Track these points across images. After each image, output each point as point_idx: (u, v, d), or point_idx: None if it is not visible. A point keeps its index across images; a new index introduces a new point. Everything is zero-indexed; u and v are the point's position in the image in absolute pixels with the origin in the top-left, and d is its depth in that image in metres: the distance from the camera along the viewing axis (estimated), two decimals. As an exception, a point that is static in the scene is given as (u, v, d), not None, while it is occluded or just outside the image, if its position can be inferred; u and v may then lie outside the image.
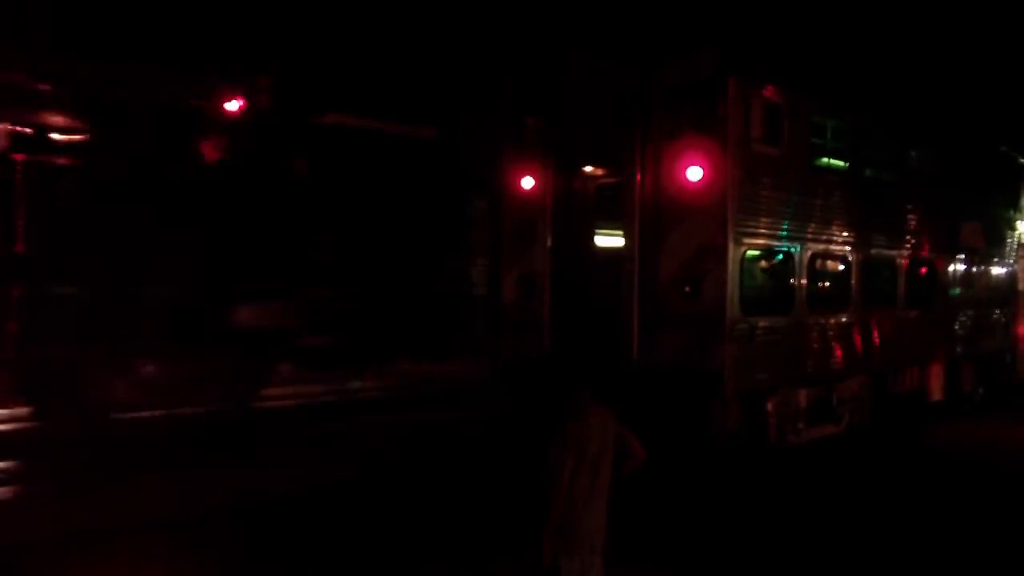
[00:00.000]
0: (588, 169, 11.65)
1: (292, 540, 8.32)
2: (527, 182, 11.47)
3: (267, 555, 7.94)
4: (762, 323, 10.92)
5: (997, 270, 18.00)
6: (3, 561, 7.54)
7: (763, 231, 10.99)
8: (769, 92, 10.96)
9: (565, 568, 5.08)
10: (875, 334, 13.68)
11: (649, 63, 10.76)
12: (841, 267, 12.85)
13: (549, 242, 11.20)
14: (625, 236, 10.73)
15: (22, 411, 12.50)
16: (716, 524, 9.07)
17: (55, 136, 12.91)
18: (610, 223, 11.74)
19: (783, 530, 8.97)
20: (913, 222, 14.75)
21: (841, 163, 12.80)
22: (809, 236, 11.89)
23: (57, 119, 12.89)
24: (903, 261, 14.40)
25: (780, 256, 11.52)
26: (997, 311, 17.82)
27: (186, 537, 8.29)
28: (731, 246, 10.32)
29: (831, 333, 12.49)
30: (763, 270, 11.38)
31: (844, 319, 12.73)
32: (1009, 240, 18.39)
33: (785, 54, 12.16)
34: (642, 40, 11.19)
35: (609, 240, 11.93)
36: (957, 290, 16.36)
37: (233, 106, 14.46)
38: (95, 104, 13.08)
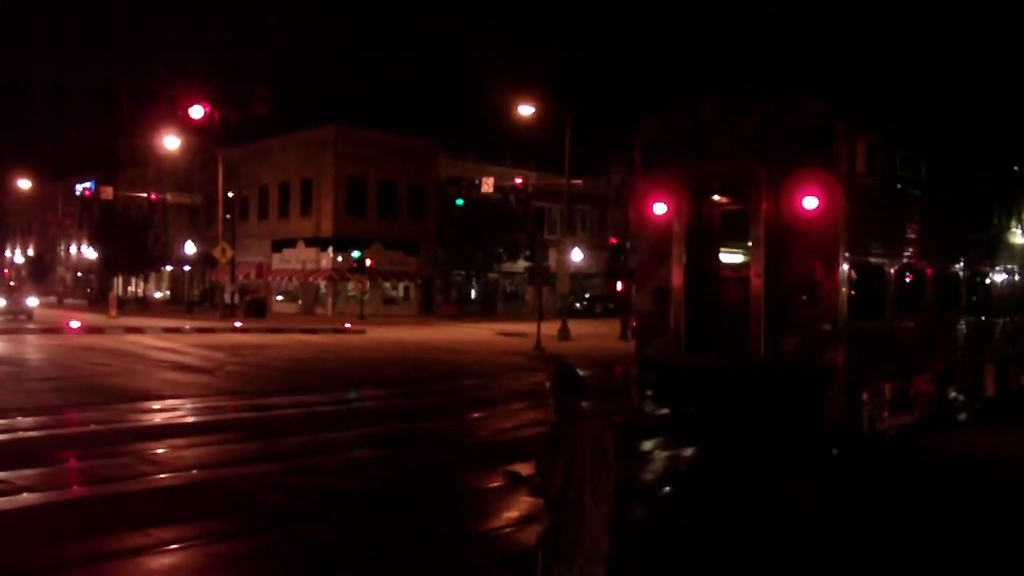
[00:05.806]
0: (715, 198, 13.70)
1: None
2: (661, 208, 13.48)
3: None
4: (863, 326, 13.00)
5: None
6: None
7: (864, 249, 13.12)
8: (869, 133, 13.06)
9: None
10: (943, 336, 15.82)
11: (769, 109, 12.83)
12: (918, 278, 14.95)
13: (684, 259, 13.16)
14: (752, 254, 12.75)
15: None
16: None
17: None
18: (732, 243, 13.82)
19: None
20: (972, 238, 16.92)
21: (918, 190, 14.94)
22: (896, 252, 14.03)
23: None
24: (965, 273, 16.53)
25: (876, 270, 13.60)
26: None
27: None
28: (841, 262, 12.41)
29: (910, 335, 14.58)
30: (863, 282, 13.42)
31: (920, 323, 14.83)
32: None
33: (877, 100, 14.26)
34: (763, 88, 13.25)
35: (731, 257, 13.99)
36: (1008, 299, 18.51)
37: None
38: None
